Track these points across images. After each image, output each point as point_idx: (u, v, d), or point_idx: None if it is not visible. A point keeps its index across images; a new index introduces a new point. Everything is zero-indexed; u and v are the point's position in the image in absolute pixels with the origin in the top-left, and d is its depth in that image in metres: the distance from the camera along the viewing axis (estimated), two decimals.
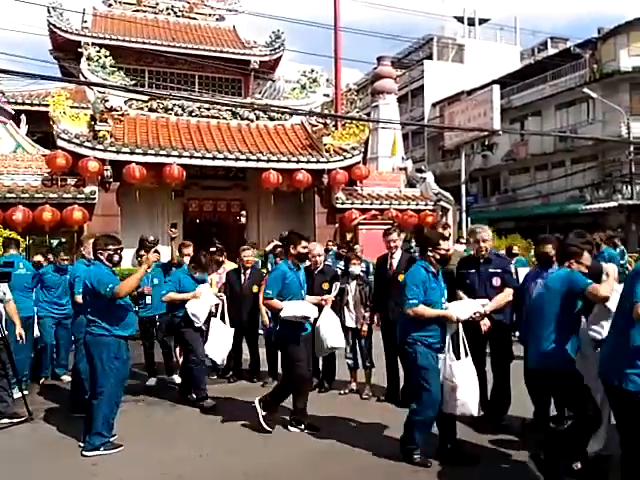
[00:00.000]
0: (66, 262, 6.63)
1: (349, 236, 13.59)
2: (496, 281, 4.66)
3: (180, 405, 5.50)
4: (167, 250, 7.30)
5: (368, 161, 16.53)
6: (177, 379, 6.19)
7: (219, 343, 5.66)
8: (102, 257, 4.42)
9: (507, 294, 4.60)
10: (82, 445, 4.27)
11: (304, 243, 4.74)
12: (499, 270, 4.71)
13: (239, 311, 6.27)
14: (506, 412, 4.76)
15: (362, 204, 14.24)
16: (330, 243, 11.05)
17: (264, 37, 19.69)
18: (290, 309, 4.52)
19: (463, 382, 3.85)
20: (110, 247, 4.44)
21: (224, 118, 14.71)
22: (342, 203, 14.04)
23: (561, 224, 21.45)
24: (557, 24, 71.95)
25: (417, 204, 14.93)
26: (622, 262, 8.87)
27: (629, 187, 21.67)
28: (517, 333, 4.95)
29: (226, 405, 5.44)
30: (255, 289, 6.33)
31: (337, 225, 14.06)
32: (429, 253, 4.02)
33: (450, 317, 3.93)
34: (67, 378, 6.24)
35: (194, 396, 5.48)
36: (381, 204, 14.43)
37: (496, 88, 19.97)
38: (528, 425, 4.70)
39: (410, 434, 3.94)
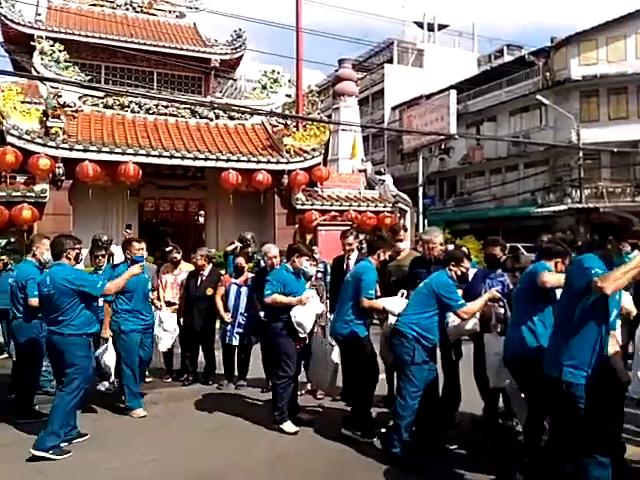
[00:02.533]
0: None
1: (309, 237, 13.65)
2: None
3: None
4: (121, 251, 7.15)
5: (329, 163, 16.63)
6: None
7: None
8: (71, 257, 4.41)
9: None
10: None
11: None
12: None
13: (194, 313, 6.22)
14: (457, 409, 4.90)
15: (322, 205, 14.33)
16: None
17: (226, 36, 19.56)
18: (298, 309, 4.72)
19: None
20: (77, 246, 4.48)
21: (183, 116, 14.52)
22: (302, 204, 14.08)
23: (514, 226, 22.20)
24: (513, 32, 74.18)
25: (376, 206, 15.13)
26: None
27: (578, 191, 22.57)
28: None
29: (182, 408, 5.38)
30: (210, 291, 6.27)
31: (297, 226, 14.09)
32: (452, 267, 4.17)
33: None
34: None
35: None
36: (341, 205, 14.55)
37: (453, 93, 20.46)
38: (478, 421, 4.86)
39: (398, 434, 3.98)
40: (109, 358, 5.42)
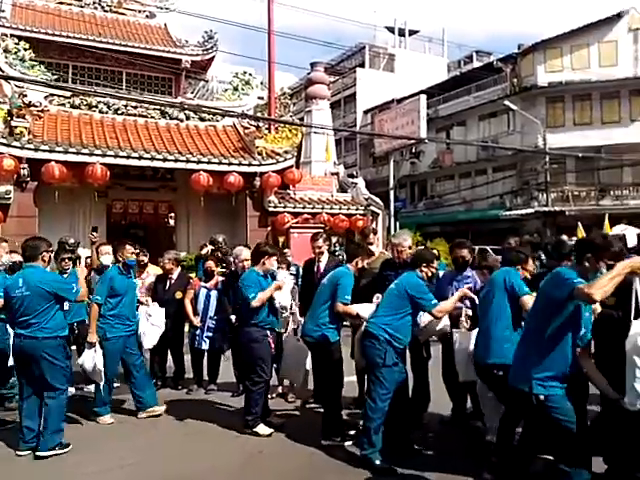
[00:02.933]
0: None
1: (281, 240, 13.62)
2: None
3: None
4: (88, 254, 7.01)
5: (301, 165, 16.62)
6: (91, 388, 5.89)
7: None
8: (46, 259, 4.39)
9: None
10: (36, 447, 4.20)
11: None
12: None
13: None
14: (426, 410, 4.95)
15: (294, 208, 14.31)
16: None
17: (197, 37, 19.39)
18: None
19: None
20: (50, 249, 4.49)
21: (152, 117, 14.33)
22: (274, 207, 14.04)
23: (483, 229, 22.60)
24: (482, 39, 75.64)
25: (348, 209, 15.19)
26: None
27: (544, 195, 23.12)
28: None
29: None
30: (179, 295, 6.19)
31: (269, 228, 14.04)
32: (423, 268, 4.21)
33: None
34: None
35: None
36: (313, 208, 14.56)
37: (423, 98, 20.73)
38: (447, 422, 4.92)
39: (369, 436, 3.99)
40: (90, 362, 5.21)
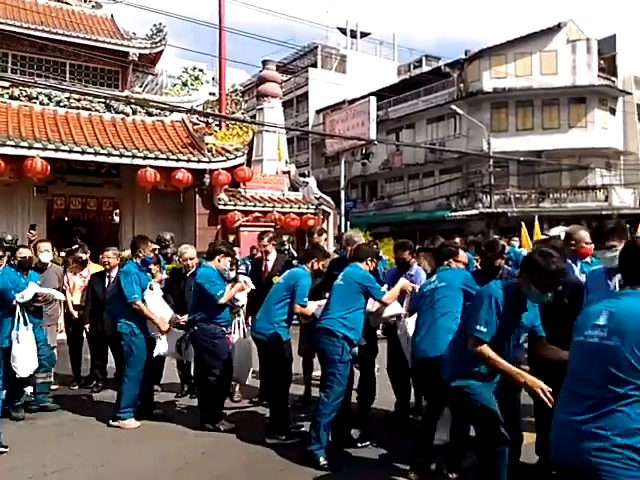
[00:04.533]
0: None
1: (231, 238, 13.48)
2: None
3: (31, 419, 5.07)
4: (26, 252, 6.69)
5: (253, 163, 16.51)
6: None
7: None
8: None
9: None
10: None
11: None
12: None
13: (103, 317, 5.89)
14: (371, 405, 5.02)
15: (245, 206, 14.21)
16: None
17: (146, 30, 18.87)
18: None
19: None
20: None
21: (97, 110, 13.88)
22: (224, 204, 13.89)
23: (430, 229, 23.12)
24: (432, 44, 77.50)
25: (299, 207, 15.21)
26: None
27: (488, 197, 23.93)
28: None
29: (90, 416, 5.13)
30: None
31: (219, 226, 13.88)
32: (369, 262, 4.33)
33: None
34: None
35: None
36: (264, 207, 14.49)
37: (373, 100, 20.98)
38: (391, 417, 5.00)
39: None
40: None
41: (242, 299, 5.10)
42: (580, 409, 1.97)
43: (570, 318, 3.31)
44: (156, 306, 5.11)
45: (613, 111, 25.27)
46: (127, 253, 11.61)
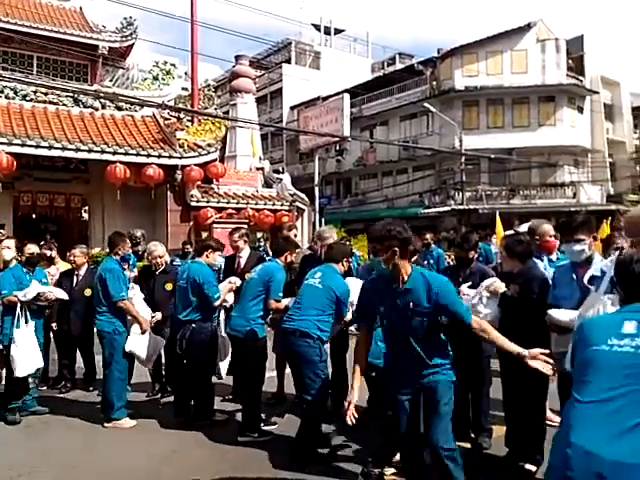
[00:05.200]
0: None
1: (204, 235, 13.34)
2: None
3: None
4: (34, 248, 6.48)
5: (226, 159, 16.36)
6: None
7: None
8: None
9: None
10: None
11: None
12: None
13: (70, 316, 5.77)
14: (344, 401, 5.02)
15: (218, 202, 14.06)
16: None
17: (116, 23, 18.47)
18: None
19: None
20: None
21: (64, 105, 13.55)
22: (197, 201, 13.72)
23: None
24: (406, 42, 78.07)
25: (273, 204, 15.13)
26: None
27: (460, 194, 24.24)
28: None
29: (58, 417, 5.01)
30: (88, 292, 5.76)
31: (191, 223, 13.71)
32: (344, 263, 4.35)
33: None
34: None
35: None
36: (238, 203, 14.37)
37: (346, 97, 21.00)
38: (363, 412, 5.01)
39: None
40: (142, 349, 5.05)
41: (230, 299, 5.13)
42: (617, 428, 1.75)
43: (535, 312, 3.40)
44: (138, 304, 5.07)
45: (581, 110, 25.87)
46: (96, 251, 11.43)
